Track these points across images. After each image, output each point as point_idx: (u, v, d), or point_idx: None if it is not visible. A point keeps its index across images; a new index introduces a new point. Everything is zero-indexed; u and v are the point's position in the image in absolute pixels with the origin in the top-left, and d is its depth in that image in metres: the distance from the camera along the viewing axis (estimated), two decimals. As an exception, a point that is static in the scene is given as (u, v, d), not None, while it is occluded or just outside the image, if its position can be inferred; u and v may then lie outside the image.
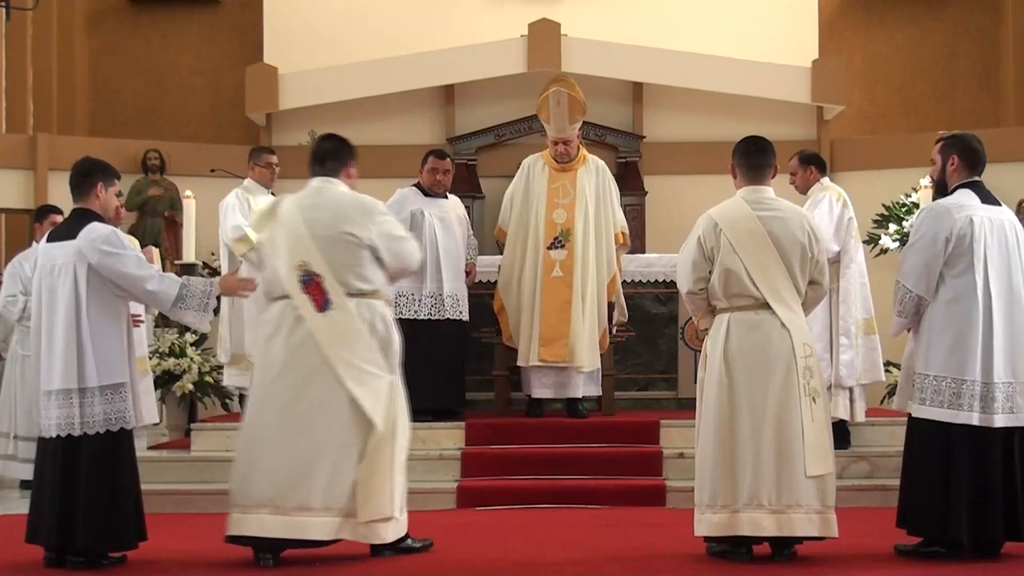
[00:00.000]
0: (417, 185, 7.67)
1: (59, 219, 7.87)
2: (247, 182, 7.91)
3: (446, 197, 7.66)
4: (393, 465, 5.02)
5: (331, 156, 5.26)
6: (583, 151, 7.62)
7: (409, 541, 5.27)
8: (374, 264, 5.10)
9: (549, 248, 7.40)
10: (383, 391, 4.98)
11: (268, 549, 5.07)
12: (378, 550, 5.18)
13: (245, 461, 5.13)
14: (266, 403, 5.03)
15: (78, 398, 5.02)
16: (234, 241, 7.58)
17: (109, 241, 5.13)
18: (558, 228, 7.43)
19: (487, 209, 9.91)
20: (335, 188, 5.21)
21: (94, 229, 5.15)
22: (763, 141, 5.17)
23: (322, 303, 4.93)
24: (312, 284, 4.95)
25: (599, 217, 7.43)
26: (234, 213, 7.70)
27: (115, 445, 5.09)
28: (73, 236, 5.14)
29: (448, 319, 7.42)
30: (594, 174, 7.55)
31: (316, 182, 5.20)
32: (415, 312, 7.36)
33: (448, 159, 7.75)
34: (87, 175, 5.27)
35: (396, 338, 5.14)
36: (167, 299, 5.12)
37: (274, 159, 7.94)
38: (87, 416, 5.03)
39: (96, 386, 5.04)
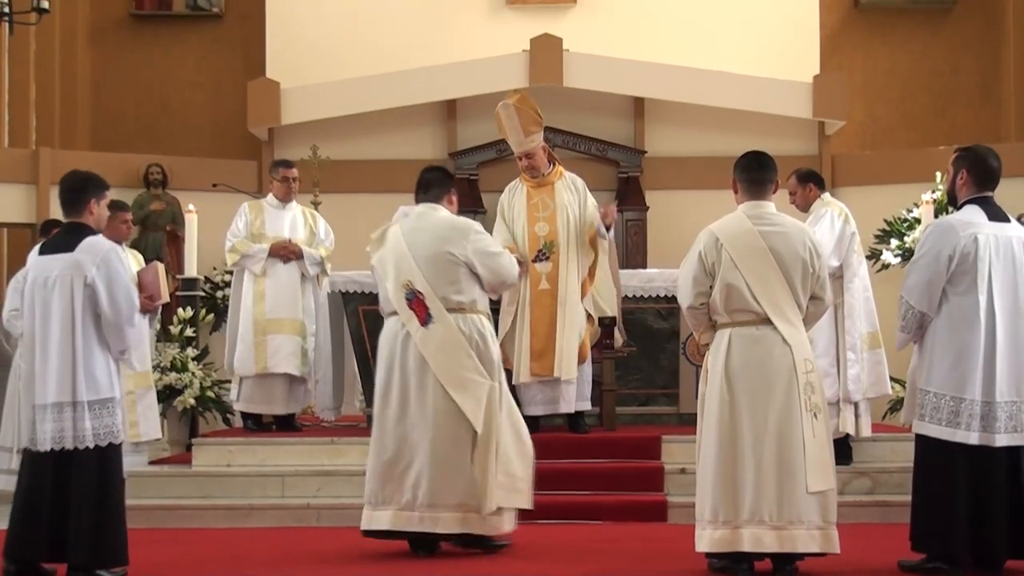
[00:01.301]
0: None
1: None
2: (269, 196, 8.09)
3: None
4: (496, 464, 5.49)
5: (434, 185, 5.81)
6: (559, 167, 7.58)
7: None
8: (471, 280, 5.61)
9: (534, 261, 7.40)
10: (483, 396, 5.44)
11: (419, 544, 5.62)
12: (471, 543, 5.63)
13: (373, 463, 5.65)
14: (385, 410, 5.58)
15: (71, 412, 5.00)
16: (227, 251, 7.90)
17: (109, 259, 5.10)
18: (541, 240, 7.40)
19: (488, 224, 9.87)
20: (436, 213, 5.76)
21: (97, 243, 5.13)
22: (764, 156, 5.18)
23: (424, 318, 5.44)
24: (415, 301, 5.48)
25: (581, 231, 7.43)
26: (235, 224, 7.94)
27: (106, 460, 5.07)
28: (70, 249, 5.09)
29: None
30: (573, 190, 7.54)
31: (420, 208, 5.74)
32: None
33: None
34: (80, 190, 5.20)
35: (495, 348, 5.66)
36: (125, 344, 5.12)
37: (291, 173, 8.03)
38: (79, 430, 5.00)
39: (86, 400, 5.01)
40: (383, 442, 5.62)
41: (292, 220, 8.01)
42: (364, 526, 5.70)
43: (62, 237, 5.22)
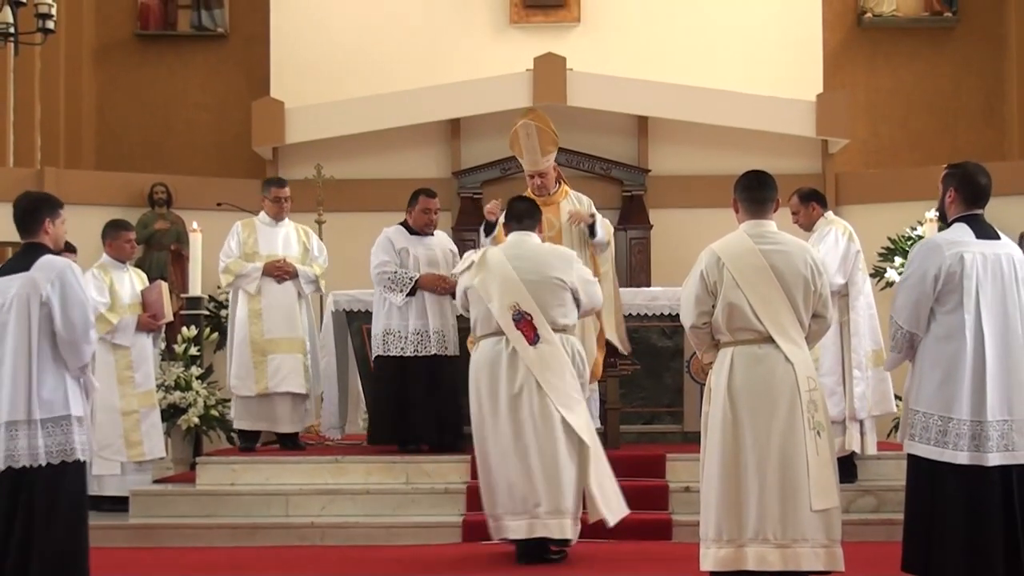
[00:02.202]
0: (403, 224, 7.71)
1: (68, 255, 7.97)
2: (261, 214, 8.04)
3: (432, 235, 7.73)
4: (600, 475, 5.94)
5: (526, 215, 6.21)
6: (565, 186, 7.61)
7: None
8: (573, 304, 6.02)
9: None
10: (584, 413, 5.87)
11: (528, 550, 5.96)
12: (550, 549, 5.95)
13: (485, 477, 6.00)
14: (498, 425, 5.89)
15: (25, 430, 4.94)
16: (221, 272, 7.88)
17: (64, 276, 5.04)
18: None
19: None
20: (531, 240, 6.15)
21: (52, 261, 5.07)
22: (764, 175, 5.20)
23: (533, 338, 5.78)
24: (523, 322, 5.81)
25: (587, 250, 7.46)
26: (227, 244, 7.91)
27: (63, 478, 5.01)
28: (27, 268, 5.05)
29: (435, 355, 7.47)
30: (579, 207, 7.57)
31: (514, 236, 6.16)
32: (401, 349, 7.42)
33: (437, 198, 7.83)
34: (34, 211, 5.16)
35: (587, 369, 6.10)
36: (82, 360, 5.11)
37: (283, 193, 7.97)
38: (32, 448, 4.94)
39: (39, 419, 4.95)
40: (495, 456, 5.92)
41: (285, 237, 7.97)
42: (496, 535, 6.01)
43: (19, 257, 5.17)
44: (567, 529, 5.89)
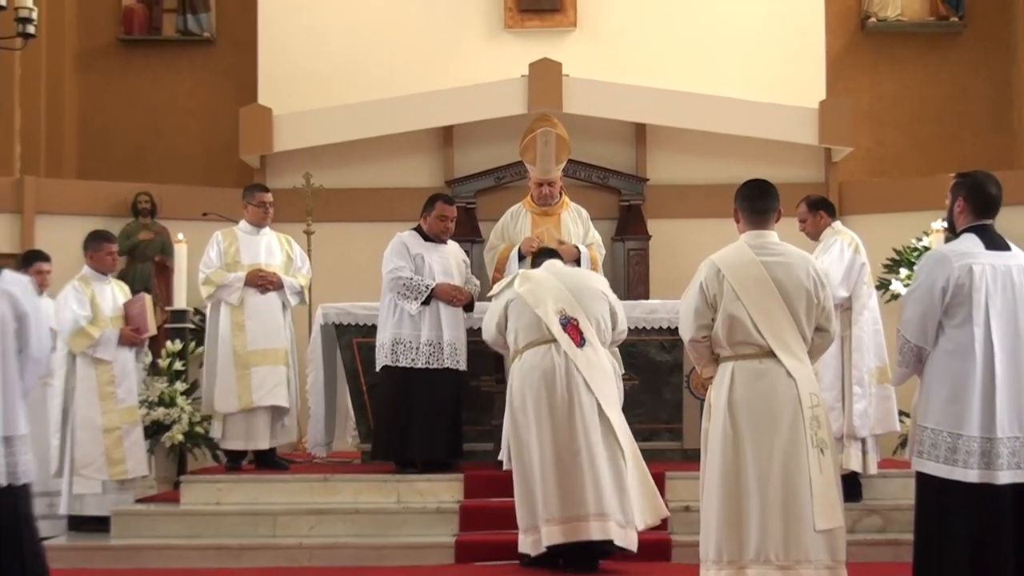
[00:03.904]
0: (417, 229, 7.67)
1: (46, 266, 7.96)
2: (241, 223, 8.00)
3: (445, 243, 7.69)
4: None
5: (553, 253, 6.59)
6: (565, 197, 7.66)
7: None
8: (610, 320, 6.35)
9: None
10: (623, 421, 6.18)
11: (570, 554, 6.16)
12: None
13: (526, 488, 6.20)
14: (551, 432, 6.10)
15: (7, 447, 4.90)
16: (201, 284, 7.83)
17: (33, 290, 5.00)
18: None
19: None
20: (559, 264, 6.56)
21: (16, 276, 4.98)
22: (766, 184, 5.20)
23: (579, 340, 6.09)
24: (570, 326, 6.11)
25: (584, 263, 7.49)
26: (207, 254, 7.86)
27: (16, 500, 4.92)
28: None
29: (446, 368, 7.43)
30: (578, 221, 7.60)
31: (548, 262, 6.48)
32: (412, 360, 7.37)
33: (455, 205, 7.79)
34: None
35: (620, 380, 6.44)
36: (38, 377, 5.07)
37: (267, 198, 7.98)
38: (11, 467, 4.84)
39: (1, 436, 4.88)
40: (544, 463, 6.11)
41: (267, 246, 7.95)
42: (534, 550, 6.18)
43: None
44: (624, 534, 6.11)
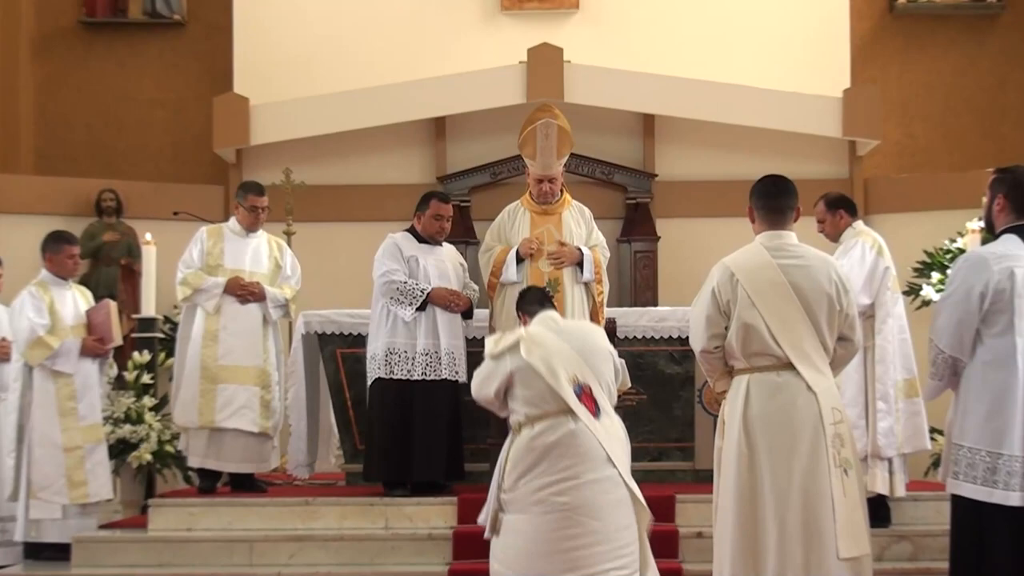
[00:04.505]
0: (410, 230, 7.68)
1: (-3, 271, 7.96)
2: (231, 221, 7.96)
3: (441, 244, 7.69)
4: None
5: (547, 299, 6.42)
6: (567, 195, 7.67)
7: None
8: (614, 379, 6.16)
9: None
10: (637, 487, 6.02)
11: None
12: None
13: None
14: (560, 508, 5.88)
15: None
16: (177, 284, 7.74)
17: None
18: (545, 277, 7.46)
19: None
20: (559, 317, 6.39)
21: None
22: (783, 180, 5.21)
23: (595, 410, 5.93)
24: (584, 395, 5.95)
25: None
26: (188, 252, 7.80)
27: None
28: None
29: (444, 379, 7.43)
30: (580, 221, 7.61)
31: (545, 313, 6.29)
32: (408, 372, 7.36)
33: (451, 203, 7.79)
34: None
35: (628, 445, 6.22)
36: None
37: (261, 202, 7.86)
38: None
39: None
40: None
41: (255, 251, 7.89)
42: None
43: None
44: None
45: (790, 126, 10.49)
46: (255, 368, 7.70)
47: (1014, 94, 11.54)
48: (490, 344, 6.23)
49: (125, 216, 10.66)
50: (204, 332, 7.69)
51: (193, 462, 7.79)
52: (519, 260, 7.50)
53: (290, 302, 7.92)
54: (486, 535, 6.25)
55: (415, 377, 7.35)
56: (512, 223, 7.66)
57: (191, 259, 7.77)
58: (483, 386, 6.26)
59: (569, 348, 6.03)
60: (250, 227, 7.89)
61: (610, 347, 6.25)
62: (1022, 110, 11.51)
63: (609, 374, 6.16)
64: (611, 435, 5.97)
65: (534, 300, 6.42)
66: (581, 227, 7.63)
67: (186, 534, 7.24)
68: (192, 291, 7.70)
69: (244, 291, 7.71)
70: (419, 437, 7.33)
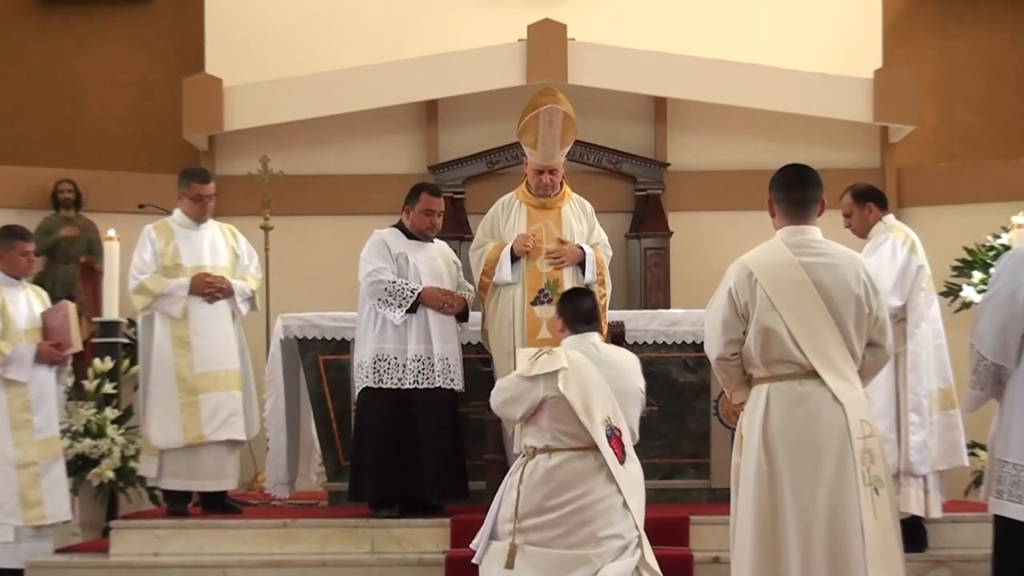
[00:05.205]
0: (398, 225, 7.69)
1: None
2: (176, 213, 7.95)
3: (432, 241, 7.71)
4: None
5: (593, 317, 6.50)
6: (566, 187, 7.69)
7: None
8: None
9: (533, 304, 7.44)
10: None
11: None
12: None
13: None
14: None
15: None
16: (133, 293, 7.71)
17: None
18: (543, 278, 7.47)
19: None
20: (600, 342, 6.45)
21: None
22: (806, 170, 5.22)
23: (621, 456, 6.12)
24: (614, 438, 6.13)
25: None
26: (138, 255, 7.75)
27: None
28: None
29: (437, 388, 7.44)
30: (581, 217, 7.62)
31: (585, 337, 6.38)
32: (399, 380, 7.37)
33: (443, 196, 7.81)
34: None
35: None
36: None
37: (206, 190, 7.85)
38: None
39: None
40: None
41: (212, 243, 7.89)
42: None
43: None
44: None
45: (816, 110, 10.50)
46: (234, 371, 7.76)
47: (1062, 75, 11.57)
48: (524, 361, 6.25)
49: (85, 209, 10.66)
50: (172, 340, 7.68)
51: (170, 485, 7.76)
52: (514, 259, 7.51)
53: (255, 293, 7.94)
54: (475, 559, 6.27)
55: (407, 386, 7.37)
56: (506, 218, 7.67)
57: (143, 263, 7.72)
58: (508, 405, 6.32)
59: (606, 385, 6.17)
60: (198, 218, 7.88)
61: (642, 385, 6.39)
62: (1072, 92, 11.53)
63: (636, 418, 6.32)
64: (633, 484, 6.17)
65: (581, 318, 6.46)
66: (582, 223, 7.64)
67: (152, 559, 7.25)
68: (152, 298, 7.67)
69: (212, 288, 7.71)
70: (412, 452, 7.33)
